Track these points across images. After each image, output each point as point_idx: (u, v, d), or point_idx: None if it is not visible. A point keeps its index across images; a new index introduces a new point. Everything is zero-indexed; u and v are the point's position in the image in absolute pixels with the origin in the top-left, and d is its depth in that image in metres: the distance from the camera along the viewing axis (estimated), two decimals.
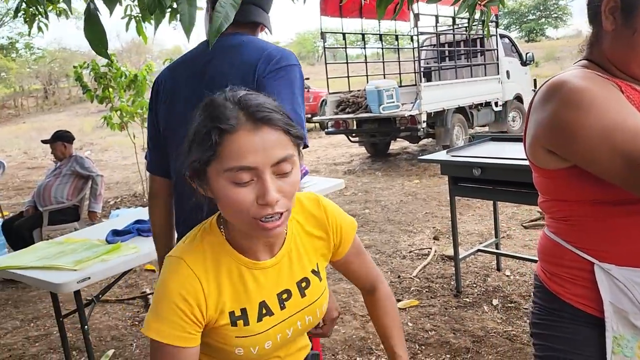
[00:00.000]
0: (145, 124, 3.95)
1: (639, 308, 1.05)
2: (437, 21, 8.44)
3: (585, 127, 1.02)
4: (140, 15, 3.55)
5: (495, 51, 9.41)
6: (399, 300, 3.42)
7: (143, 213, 3.28)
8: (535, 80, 10.66)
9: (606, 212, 1.09)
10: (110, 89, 6.46)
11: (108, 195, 7.90)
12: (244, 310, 1.01)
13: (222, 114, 0.89)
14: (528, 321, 2.98)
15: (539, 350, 1.21)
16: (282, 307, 1.06)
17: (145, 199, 7.19)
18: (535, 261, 3.66)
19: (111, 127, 6.68)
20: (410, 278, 3.80)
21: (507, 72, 9.61)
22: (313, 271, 1.12)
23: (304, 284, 1.09)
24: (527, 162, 2.83)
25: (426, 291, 3.55)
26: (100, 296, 2.78)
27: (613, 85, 1.08)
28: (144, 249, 2.44)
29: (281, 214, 0.91)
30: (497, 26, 9.44)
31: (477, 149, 3.34)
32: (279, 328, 1.06)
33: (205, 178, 0.92)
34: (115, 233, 2.62)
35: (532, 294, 1.28)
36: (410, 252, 4.38)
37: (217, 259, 1.00)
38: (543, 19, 41.05)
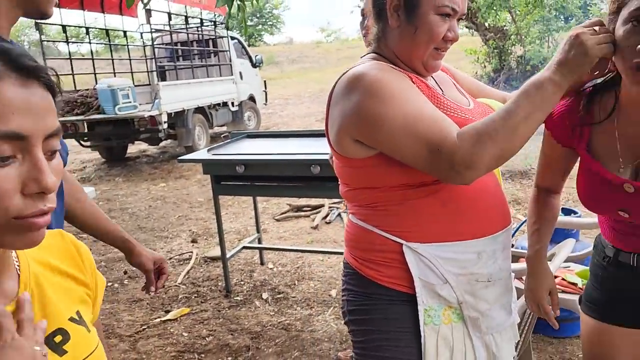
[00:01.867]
0: None
1: (442, 279, 1.17)
2: (169, 18, 8.22)
3: (390, 117, 1.07)
4: None
5: (228, 52, 9.65)
6: (168, 311, 3.21)
7: None
8: (265, 81, 11.33)
9: (408, 195, 1.17)
10: None
11: None
12: None
13: None
14: (296, 310, 3.14)
15: (358, 335, 1.24)
16: None
17: None
18: (295, 251, 3.90)
19: None
20: (176, 285, 3.60)
21: (240, 73, 9.96)
22: (73, 319, 0.77)
23: (58, 339, 0.74)
24: (288, 157, 2.96)
25: (195, 296, 3.41)
26: None
27: (405, 76, 1.17)
28: None
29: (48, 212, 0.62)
30: (227, 28, 9.69)
31: (235, 146, 3.35)
32: None
33: None
34: None
35: (342, 282, 1.31)
36: (170, 258, 4.16)
37: None
38: (260, 26, 43.99)
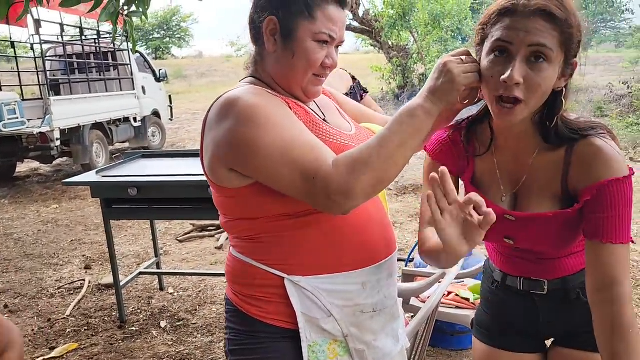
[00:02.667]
0: None
1: (326, 313, 1.12)
2: (62, 30, 7.73)
3: (265, 143, 1.02)
4: None
5: (129, 66, 9.24)
6: (53, 348, 2.94)
7: None
8: (170, 96, 10.97)
9: (287, 226, 1.11)
10: None
11: None
12: None
13: None
14: (196, 338, 2.99)
15: None
16: None
17: None
18: (197, 274, 3.75)
19: None
20: (64, 318, 3.31)
21: (143, 87, 9.57)
22: None
23: None
24: (183, 178, 2.83)
25: (85, 329, 3.16)
26: None
27: (282, 102, 1.12)
28: None
29: None
30: (128, 41, 9.27)
31: (129, 167, 3.16)
32: None
33: None
34: None
35: (225, 319, 1.23)
36: (59, 288, 3.84)
37: None
38: (168, 39, 42.81)
